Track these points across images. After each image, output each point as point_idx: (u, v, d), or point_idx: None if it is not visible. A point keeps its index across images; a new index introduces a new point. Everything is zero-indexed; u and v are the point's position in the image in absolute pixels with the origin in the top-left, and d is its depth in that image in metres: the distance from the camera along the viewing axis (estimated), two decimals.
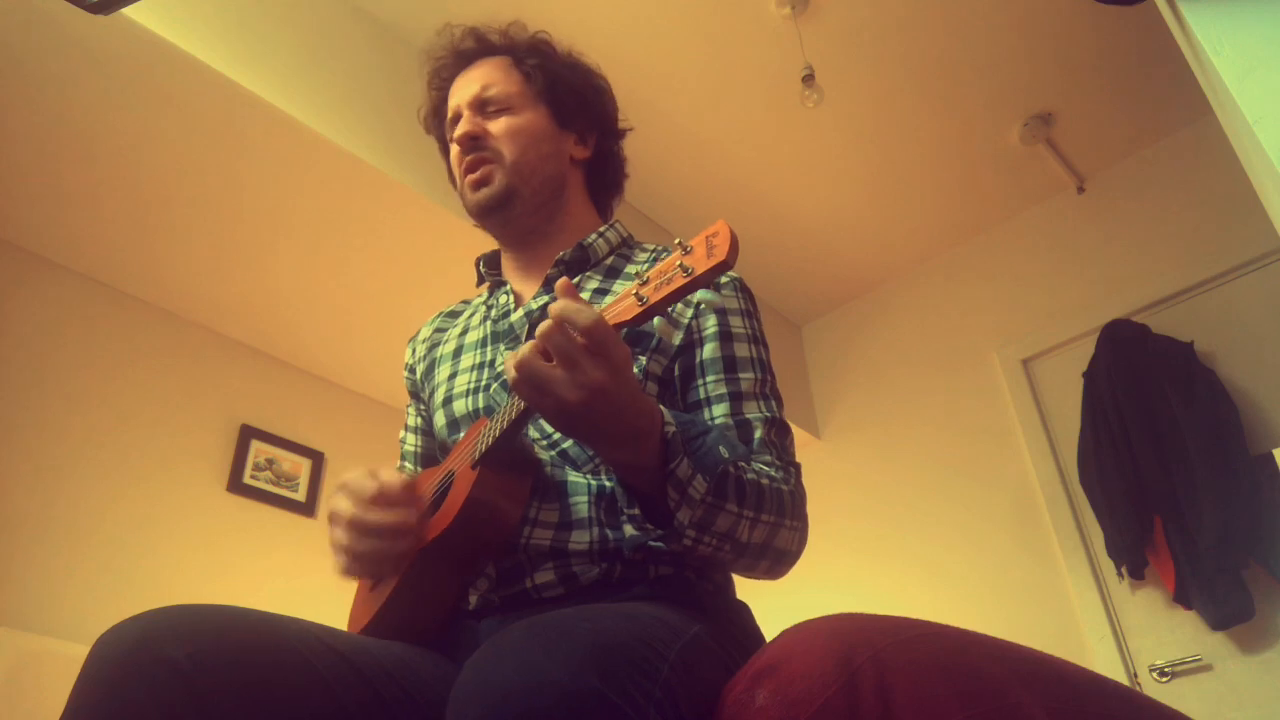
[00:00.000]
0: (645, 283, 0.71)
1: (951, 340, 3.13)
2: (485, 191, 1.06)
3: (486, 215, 1.08)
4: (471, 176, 1.07)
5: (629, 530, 0.87)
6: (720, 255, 0.66)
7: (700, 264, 0.67)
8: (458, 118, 1.11)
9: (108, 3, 1.12)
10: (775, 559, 0.87)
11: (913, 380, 3.19)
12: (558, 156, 1.11)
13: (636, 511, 0.82)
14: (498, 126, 1.08)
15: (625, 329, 0.73)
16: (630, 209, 3.00)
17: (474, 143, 1.07)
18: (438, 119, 1.20)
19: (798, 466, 0.93)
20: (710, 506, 0.78)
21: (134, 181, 2.35)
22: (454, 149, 1.11)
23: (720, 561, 0.85)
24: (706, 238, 0.68)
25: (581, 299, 0.73)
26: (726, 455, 0.80)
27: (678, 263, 0.69)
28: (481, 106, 1.10)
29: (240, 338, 2.98)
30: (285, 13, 2.18)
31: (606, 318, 0.72)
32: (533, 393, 0.73)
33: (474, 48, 1.16)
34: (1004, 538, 2.72)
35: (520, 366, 0.73)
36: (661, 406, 0.80)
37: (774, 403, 0.97)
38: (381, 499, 0.87)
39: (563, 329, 0.70)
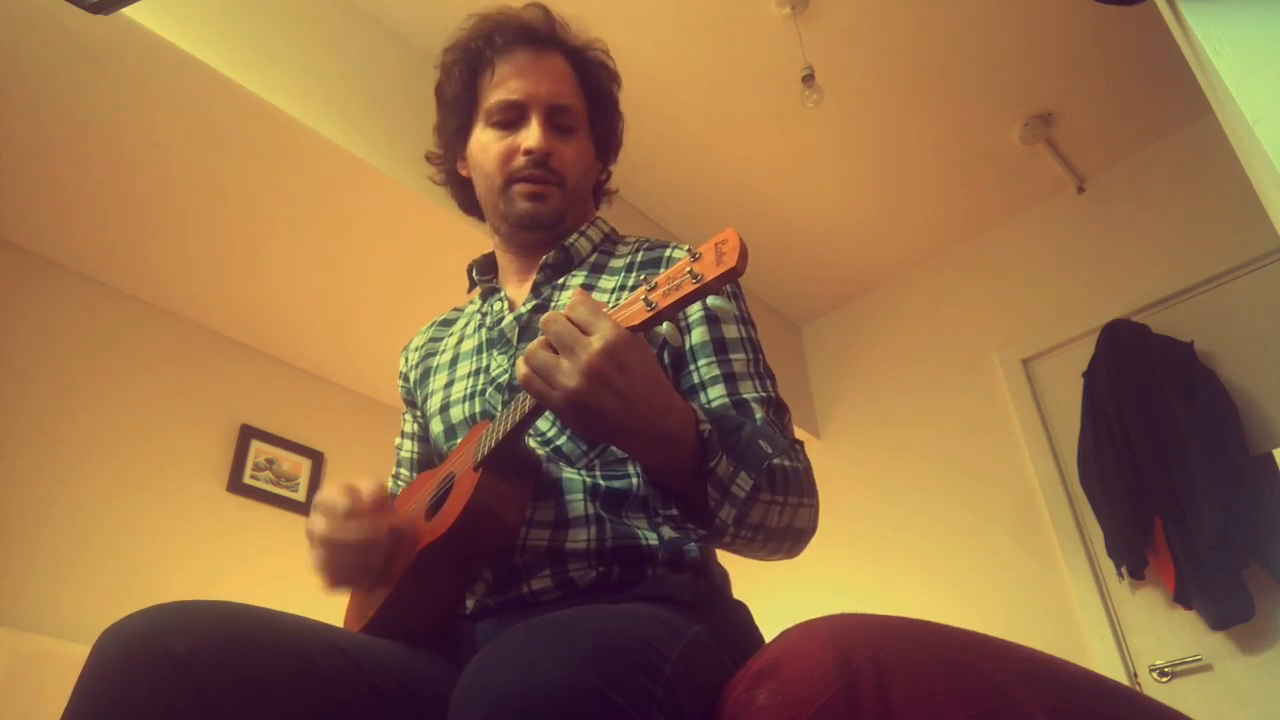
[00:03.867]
0: (654, 288, 0.71)
1: (951, 340, 3.13)
2: (540, 207, 1.06)
3: (531, 229, 1.08)
4: (532, 188, 1.06)
5: (666, 532, 0.88)
6: (730, 262, 0.66)
7: (709, 270, 0.68)
8: (522, 110, 1.08)
9: (108, 3, 1.12)
10: (796, 539, 0.88)
11: (913, 380, 3.19)
12: (592, 186, 1.17)
13: (674, 512, 0.80)
14: (568, 150, 1.08)
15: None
16: (630, 209, 3.00)
17: (546, 159, 1.06)
18: (471, 72, 1.12)
19: (801, 444, 0.93)
20: (746, 500, 0.78)
21: (134, 181, 2.35)
22: (506, 143, 1.07)
23: (751, 550, 0.85)
24: (716, 245, 0.68)
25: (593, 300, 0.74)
26: (769, 450, 0.81)
27: (687, 269, 0.69)
28: (551, 117, 1.08)
29: (239, 338, 2.98)
30: (284, 13, 2.18)
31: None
32: (542, 385, 0.73)
33: (543, 30, 1.12)
34: (1004, 538, 2.72)
35: (527, 358, 0.73)
36: (695, 406, 0.79)
37: (769, 381, 0.97)
38: (353, 514, 0.89)
39: (563, 318, 0.73)
